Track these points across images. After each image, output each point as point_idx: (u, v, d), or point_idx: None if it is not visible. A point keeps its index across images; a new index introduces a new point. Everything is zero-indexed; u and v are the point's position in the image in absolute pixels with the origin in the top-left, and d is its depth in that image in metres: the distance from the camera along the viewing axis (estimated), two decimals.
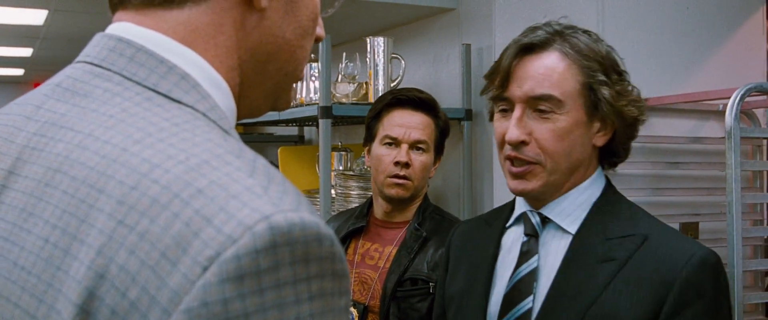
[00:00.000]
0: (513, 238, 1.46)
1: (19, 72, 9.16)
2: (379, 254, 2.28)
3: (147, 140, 0.69)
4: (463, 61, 3.04)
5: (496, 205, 2.78)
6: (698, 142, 2.42)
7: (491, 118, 1.50)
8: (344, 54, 3.12)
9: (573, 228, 1.38)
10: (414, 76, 3.30)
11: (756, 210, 2.52)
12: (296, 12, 0.88)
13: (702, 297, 1.26)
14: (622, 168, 2.36)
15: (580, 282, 1.32)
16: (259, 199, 0.65)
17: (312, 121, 3.54)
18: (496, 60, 1.42)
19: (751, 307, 2.44)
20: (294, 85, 1.07)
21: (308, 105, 3.12)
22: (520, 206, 1.47)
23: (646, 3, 2.52)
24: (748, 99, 2.38)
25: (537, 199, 1.42)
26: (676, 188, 2.37)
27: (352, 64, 3.08)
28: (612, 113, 1.36)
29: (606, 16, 2.43)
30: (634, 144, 2.38)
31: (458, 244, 1.61)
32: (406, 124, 2.21)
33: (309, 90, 3.17)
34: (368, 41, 3.02)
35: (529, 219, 1.42)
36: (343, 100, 2.98)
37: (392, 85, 2.99)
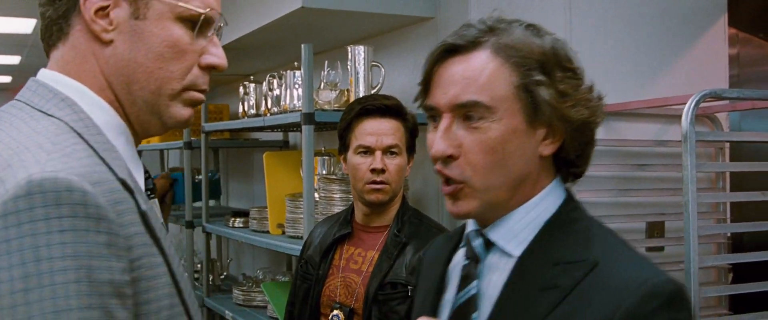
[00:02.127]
0: (458, 259, 1.31)
1: (7, 79, 9.19)
2: (362, 258, 2.37)
3: (3, 135, 1.04)
4: None
5: None
6: (662, 145, 2.53)
7: None
8: (326, 62, 3.21)
9: (517, 251, 1.21)
10: (394, 83, 3.39)
11: (719, 209, 2.62)
12: (144, 39, 1.13)
13: None
14: (588, 171, 2.49)
15: (518, 312, 1.16)
16: (35, 166, 0.96)
17: (296, 126, 3.63)
18: None
19: (715, 301, 2.54)
20: (193, 105, 1.23)
21: (292, 111, 3.21)
22: (470, 224, 1.30)
23: (613, 12, 2.62)
24: (710, 104, 2.50)
25: (481, 219, 1.25)
26: (642, 189, 2.48)
27: (333, 72, 3.17)
28: (555, 117, 1.17)
29: (574, 24, 2.53)
30: (600, 147, 2.51)
31: (426, 259, 1.46)
32: (377, 131, 2.29)
33: (292, 97, 3.26)
34: (349, 50, 3.11)
35: (470, 242, 1.26)
36: (326, 107, 3.06)
37: (373, 91, 3.08)
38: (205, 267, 4.46)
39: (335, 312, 2.32)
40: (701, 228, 2.05)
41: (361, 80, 3.09)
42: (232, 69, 4.50)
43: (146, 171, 1.28)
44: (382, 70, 3.11)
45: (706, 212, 2.54)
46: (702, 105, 2.50)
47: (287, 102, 3.30)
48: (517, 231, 1.20)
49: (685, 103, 2.07)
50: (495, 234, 1.21)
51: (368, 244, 2.36)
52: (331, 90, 3.11)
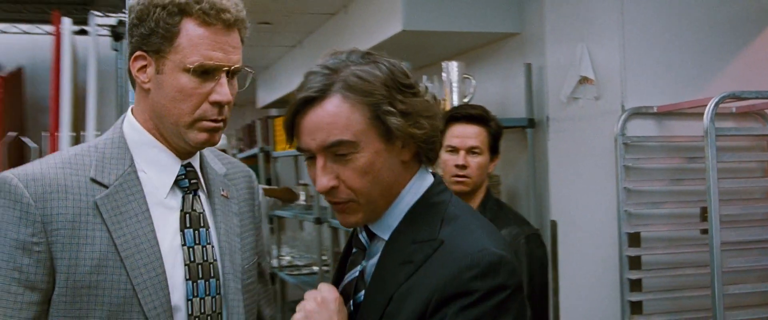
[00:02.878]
0: (355, 249, 1.53)
1: None
2: None
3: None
4: (526, 78, 3.58)
5: (558, 199, 3.32)
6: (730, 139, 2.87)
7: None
8: (424, 76, 3.71)
9: (386, 235, 1.42)
10: (485, 92, 3.85)
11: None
12: (163, 87, 1.54)
13: (461, 296, 1.28)
14: (643, 163, 2.85)
15: (383, 283, 1.37)
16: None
17: None
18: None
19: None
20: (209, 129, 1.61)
21: None
22: None
23: (664, 21, 2.97)
24: (754, 102, 2.82)
25: (376, 216, 1.44)
26: (694, 178, 2.82)
27: (431, 84, 3.67)
28: (406, 136, 1.36)
29: (626, 32, 2.90)
30: (653, 143, 2.88)
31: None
32: (462, 135, 2.75)
33: None
34: (444, 65, 3.60)
35: (358, 236, 1.48)
36: None
37: (464, 100, 3.55)
38: (331, 260, 5.05)
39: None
40: (724, 213, 2.42)
41: (455, 91, 3.57)
42: None
43: (191, 167, 1.67)
44: (473, 81, 3.58)
45: (753, 198, 2.87)
46: (750, 103, 2.84)
47: None
48: (391, 221, 1.40)
49: (722, 103, 2.44)
50: (377, 228, 1.42)
51: None
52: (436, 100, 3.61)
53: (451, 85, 3.58)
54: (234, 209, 1.70)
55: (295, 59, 6.25)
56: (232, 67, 1.55)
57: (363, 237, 1.45)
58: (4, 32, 2.42)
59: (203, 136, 1.56)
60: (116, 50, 2.22)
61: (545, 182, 3.50)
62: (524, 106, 3.59)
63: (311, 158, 1.38)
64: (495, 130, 2.84)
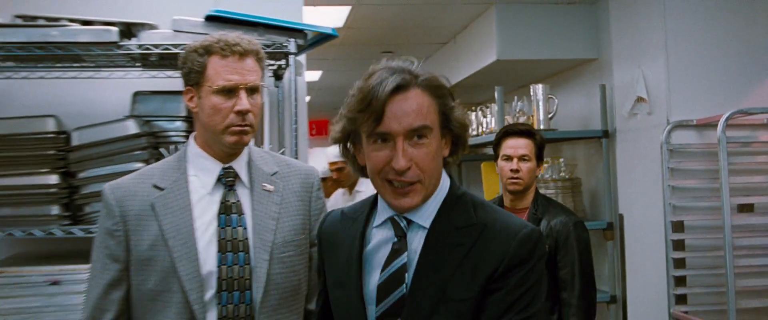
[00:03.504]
0: (380, 238, 1.60)
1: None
2: None
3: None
4: (601, 97, 4.27)
5: (623, 196, 4.01)
6: (744, 146, 3.50)
7: (349, 149, 1.61)
8: (516, 97, 4.47)
9: (427, 223, 1.55)
10: (567, 109, 4.57)
11: None
12: (204, 109, 1.91)
13: (522, 264, 1.49)
14: (687, 165, 3.50)
15: (437, 266, 1.52)
16: None
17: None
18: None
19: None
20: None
21: (489, 133, 4.50)
22: (386, 211, 1.59)
23: (703, 46, 3.59)
24: None
25: (402, 211, 1.56)
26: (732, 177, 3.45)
27: (521, 103, 4.42)
28: (457, 127, 1.55)
29: (670, 60, 3.57)
30: (695, 150, 3.52)
31: (328, 234, 1.73)
32: (514, 145, 3.28)
33: (489, 123, 4.56)
34: (531, 88, 4.35)
35: (399, 223, 1.57)
36: None
37: (549, 116, 4.28)
38: None
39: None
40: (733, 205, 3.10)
41: (541, 109, 4.31)
42: None
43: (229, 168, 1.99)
44: (556, 101, 4.30)
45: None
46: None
47: (492, 126, 4.60)
48: (430, 211, 1.56)
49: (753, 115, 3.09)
50: (417, 216, 1.56)
51: None
52: (519, 116, 4.37)
53: (538, 104, 4.32)
54: (275, 199, 2.02)
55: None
56: (249, 85, 1.93)
57: (404, 224, 1.57)
58: None
59: (233, 138, 1.93)
60: (277, 87, 3.04)
61: (615, 183, 4.19)
62: (600, 121, 4.29)
63: (384, 141, 1.50)
64: (539, 141, 3.36)
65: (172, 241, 1.90)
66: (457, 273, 1.50)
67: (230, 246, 1.93)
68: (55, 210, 2.56)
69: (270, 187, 2.02)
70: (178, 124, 2.79)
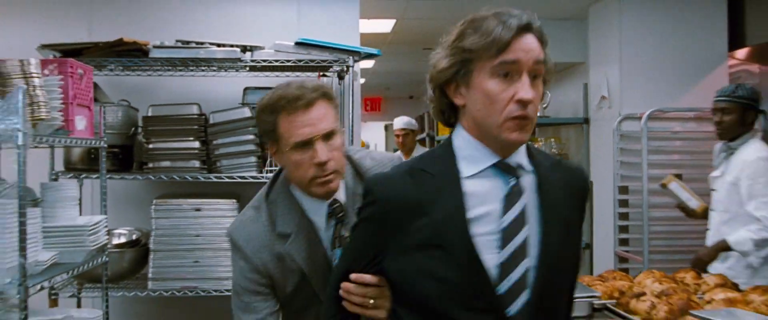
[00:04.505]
0: (487, 186, 1.52)
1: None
2: None
3: None
4: (584, 93, 5.54)
5: (594, 167, 5.30)
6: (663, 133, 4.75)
7: (445, 91, 1.57)
8: None
9: (529, 166, 1.56)
10: (558, 102, 5.87)
11: None
12: (286, 163, 1.94)
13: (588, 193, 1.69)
14: (631, 146, 4.77)
15: (555, 204, 1.56)
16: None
17: None
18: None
19: None
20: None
21: None
22: (485, 159, 1.53)
23: (650, 53, 4.85)
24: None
25: (509, 150, 1.53)
26: (658, 156, 4.71)
27: None
28: (548, 73, 1.54)
29: (623, 65, 4.84)
30: (636, 135, 4.78)
31: (400, 198, 1.54)
32: None
33: None
34: None
35: (511, 166, 1.53)
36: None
37: (544, 106, 5.56)
38: None
39: None
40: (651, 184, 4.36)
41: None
42: None
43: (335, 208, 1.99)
44: (549, 94, 5.57)
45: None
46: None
47: None
48: (525, 155, 1.58)
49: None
50: (521, 160, 1.56)
51: None
52: None
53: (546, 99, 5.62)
54: None
55: None
56: (322, 133, 1.88)
57: (516, 166, 1.54)
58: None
59: (321, 190, 1.92)
60: (340, 85, 4.34)
61: (597, 162, 5.49)
62: (582, 111, 5.56)
63: (507, 74, 1.46)
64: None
65: (313, 279, 1.97)
66: (568, 206, 1.59)
67: None
68: (196, 163, 3.95)
69: None
70: None
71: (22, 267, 2.25)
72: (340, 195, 1.99)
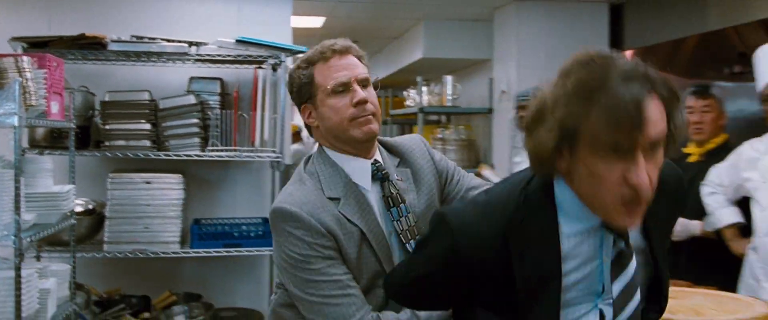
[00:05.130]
0: (590, 245, 1.37)
1: None
2: None
3: None
4: (489, 87, 6.25)
5: (496, 152, 6.03)
6: None
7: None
8: (433, 83, 6.44)
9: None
10: (468, 94, 6.58)
11: None
12: (325, 115, 1.90)
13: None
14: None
15: (658, 237, 1.45)
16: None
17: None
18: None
19: None
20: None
21: (412, 107, 6.53)
22: (585, 219, 1.35)
23: (542, 52, 5.58)
24: None
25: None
26: None
27: (437, 87, 6.39)
28: (680, 134, 1.37)
29: (520, 62, 5.57)
30: None
31: (520, 226, 1.35)
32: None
33: (414, 100, 6.58)
34: (443, 78, 6.31)
35: (623, 233, 1.37)
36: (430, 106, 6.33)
37: (455, 98, 6.26)
38: None
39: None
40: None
41: (449, 93, 6.27)
42: (381, 93, 7.99)
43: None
44: (459, 87, 6.28)
45: None
46: None
47: (416, 101, 6.59)
48: None
49: None
50: None
51: None
52: (435, 97, 6.34)
53: (448, 88, 6.31)
54: (412, 185, 1.97)
55: (380, 60, 9.10)
56: (359, 77, 1.86)
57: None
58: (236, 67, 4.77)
59: (361, 130, 1.87)
60: (273, 76, 4.93)
61: (492, 143, 6.22)
62: (488, 102, 6.28)
63: (626, 152, 1.23)
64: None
65: (374, 243, 1.84)
66: (668, 220, 1.49)
67: (409, 235, 1.90)
68: (147, 143, 4.49)
69: (400, 178, 1.97)
70: (215, 97, 4.71)
71: (17, 223, 2.81)
72: (379, 156, 1.96)
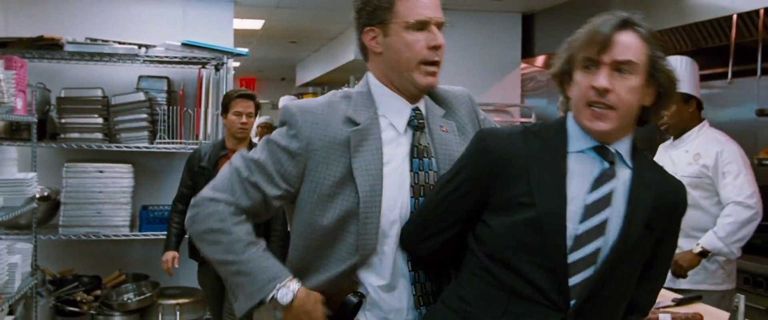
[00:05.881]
0: (579, 164, 1.61)
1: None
2: None
3: None
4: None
5: None
6: None
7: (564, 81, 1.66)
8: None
9: (631, 164, 1.64)
10: None
11: None
12: (393, 46, 1.79)
13: (683, 212, 1.73)
14: None
15: (645, 200, 1.61)
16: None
17: None
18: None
19: None
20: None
21: None
22: (585, 140, 1.63)
23: (460, 59, 6.14)
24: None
25: (605, 137, 1.60)
26: None
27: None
28: (666, 80, 1.60)
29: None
30: None
31: (511, 152, 1.64)
32: (244, 105, 4.14)
33: None
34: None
35: (609, 151, 1.62)
36: None
37: None
38: None
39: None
40: None
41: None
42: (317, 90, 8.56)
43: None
44: None
45: None
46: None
47: None
48: (628, 151, 1.65)
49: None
50: (621, 149, 1.64)
51: None
52: None
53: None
54: (454, 139, 1.87)
55: (317, 59, 9.58)
56: (440, 20, 1.81)
57: (614, 152, 1.63)
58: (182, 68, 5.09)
59: (425, 78, 1.79)
60: (216, 75, 5.33)
61: None
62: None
63: (594, 66, 1.58)
64: (257, 103, 4.27)
65: (360, 180, 1.75)
66: (654, 207, 1.63)
67: (423, 191, 1.80)
68: (99, 135, 4.88)
69: (445, 129, 1.89)
70: (162, 94, 5.11)
71: None
72: (422, 105, 1.89)
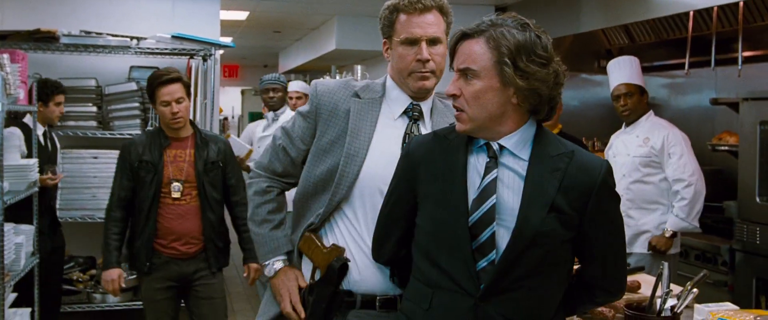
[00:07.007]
0: (481, 160, 1.74)
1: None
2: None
3: None
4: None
5: None
6: None
7: None
8: (345, 71, 7.20)
9: (526, 155, 1.72)
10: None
11: None
12: (394, 57, 2.10)
13: (613, 193, 1.76)
14: None
15: (542, 185, 1.68)
16: None
17: None
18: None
19: None
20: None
21: None
22: (479, 140, 1.76)
23: None
24: None
25: (485, 135, 1.74)
26: None
27: (349, 76, 7.16)
28: (515, 87, 1.68)
29: None
30: None
31: (422, 153, 1.82)
32: (170, 91, 3.46)
33: None
34: (354, 67, 7.08)
35: (491, 148, 1.74)
36: None
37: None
38: None
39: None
40: None
41: (359, 78, 7.05)
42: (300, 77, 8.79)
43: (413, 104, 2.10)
44: (368, 74, 7.04)
45: None
46: None
47: None
48: (519, 144, 1.73)
49: None
50: (507, 143, 1.73)
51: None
52: None
53: (357, 75, 7.07)
54: None
55: (299, 47, 9.81)
56: (429, 37, 2.04)
57: (496, 147, 1.74)
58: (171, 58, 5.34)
59: (416, 83, 2.07)
60: (204, 65, 5.57)
61: None
62: None
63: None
64: (186, 85, 3.56)
65: (348, 140, 2.05)
66: (562, 190, 1.70)
67: None
68: (94, 123, 5.11)
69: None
70: None
71: (1, 189, 3.47)
72: (426, 106, 2.14)
